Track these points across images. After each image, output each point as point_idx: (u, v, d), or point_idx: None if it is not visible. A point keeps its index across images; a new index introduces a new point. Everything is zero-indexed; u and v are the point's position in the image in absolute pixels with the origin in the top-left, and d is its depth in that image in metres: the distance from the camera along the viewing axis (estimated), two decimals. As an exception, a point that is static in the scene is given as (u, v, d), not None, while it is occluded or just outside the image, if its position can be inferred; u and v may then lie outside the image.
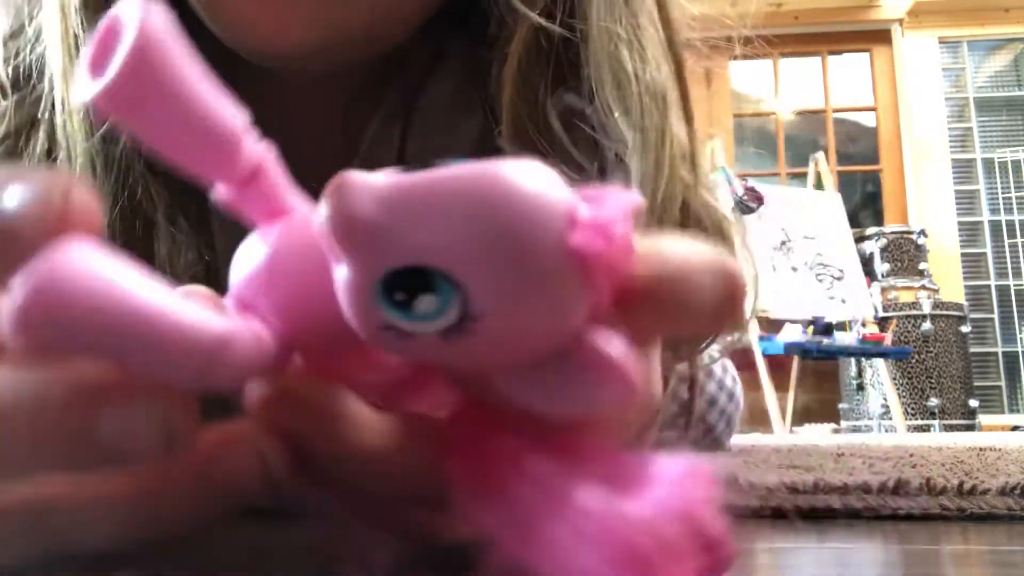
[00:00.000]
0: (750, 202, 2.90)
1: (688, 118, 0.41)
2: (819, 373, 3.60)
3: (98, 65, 0.17)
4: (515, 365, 0.17)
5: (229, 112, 0.18)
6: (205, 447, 0.18)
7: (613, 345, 0.16)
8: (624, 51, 0.38)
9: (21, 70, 0.40)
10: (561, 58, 0.40)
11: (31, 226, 0.17)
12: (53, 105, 0.39)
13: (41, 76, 0.40)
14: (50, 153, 0.40)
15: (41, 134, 0.40)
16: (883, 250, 3.63)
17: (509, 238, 0.15)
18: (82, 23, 0.39)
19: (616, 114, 0.37)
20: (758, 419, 2.91)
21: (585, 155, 0.39)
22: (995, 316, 4.00)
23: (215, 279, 0.43)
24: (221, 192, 0.20)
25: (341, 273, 0.16)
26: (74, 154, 0.39)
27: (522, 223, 0.15)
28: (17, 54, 0.40)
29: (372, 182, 0.15)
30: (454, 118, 0.46)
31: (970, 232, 4.10)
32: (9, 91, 0.40)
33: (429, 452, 0.18)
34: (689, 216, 0.41)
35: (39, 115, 0.40)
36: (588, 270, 0.15)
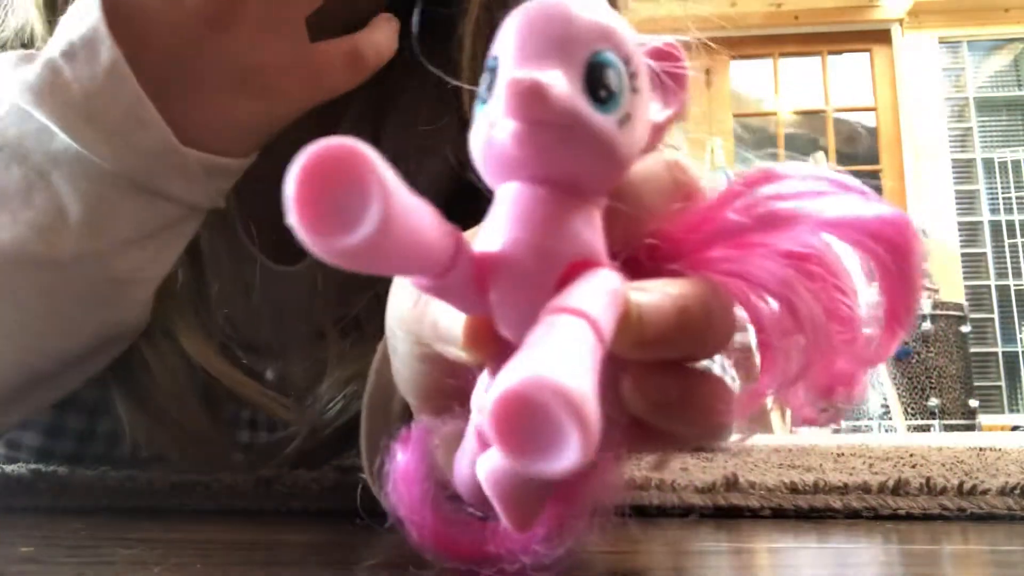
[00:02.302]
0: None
1: None
2: (819, 373, 3.60)
3: None
4: None
5: None
6: None
7: None
8: None
9: None
10: None
11: None
12: None
13: None
14: None
15: None
16: (883, 250, 3.62)
17: None
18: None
19: None
20: (758, 419, 2.91)
21: None
22: (995, 316, 3.99)
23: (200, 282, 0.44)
24: None
25: None
26: None
27: None
28: None
29: None
30: (430, 117, 0.46)
31: (970, 232, 4.10)
32: None
33: None
34: None
35: None
36: None
